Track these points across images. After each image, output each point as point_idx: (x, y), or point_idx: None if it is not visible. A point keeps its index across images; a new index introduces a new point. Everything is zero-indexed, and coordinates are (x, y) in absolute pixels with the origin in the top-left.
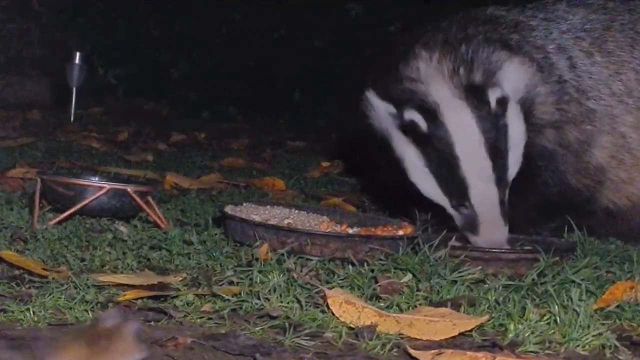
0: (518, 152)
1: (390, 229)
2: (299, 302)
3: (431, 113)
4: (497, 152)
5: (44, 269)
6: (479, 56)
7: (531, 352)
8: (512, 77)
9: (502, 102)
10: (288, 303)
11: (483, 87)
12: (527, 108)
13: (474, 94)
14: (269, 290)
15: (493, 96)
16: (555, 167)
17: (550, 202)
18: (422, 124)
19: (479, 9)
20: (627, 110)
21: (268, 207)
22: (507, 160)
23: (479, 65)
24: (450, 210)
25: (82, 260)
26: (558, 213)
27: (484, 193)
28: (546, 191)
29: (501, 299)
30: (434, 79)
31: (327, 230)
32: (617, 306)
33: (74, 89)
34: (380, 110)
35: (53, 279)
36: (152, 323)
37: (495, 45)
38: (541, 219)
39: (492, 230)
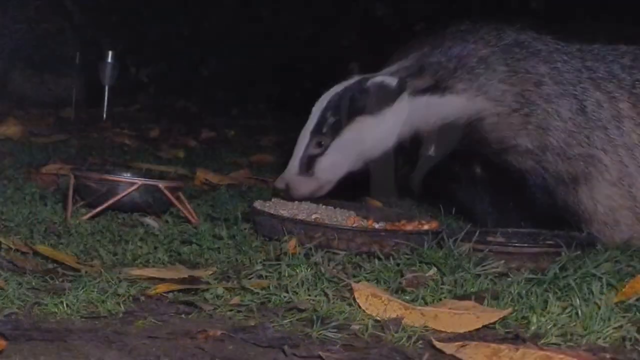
0: (362, 145)
1: (415, 223)
2: (326, 295)
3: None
4: (331, 117)
5: (77, 262)
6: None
7: (553, 344)
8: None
9: (373, 89)
10: (315, 296)
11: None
12: (475, 128)
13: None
14: (297, 284)
15: (374, 81)
16: (538, 183)
17: (543, 215)
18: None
19: (517, 28)
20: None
21: (296, 202)
22: (336, 132)
23: (439, 70)
24: None
25: (114, 254)
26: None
27: (299, 140)
28: (534, 200)
29: (524, 292)
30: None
31: (353, 225)
32: (638, 299)
33: (107, 87)
34: None
35: (86, 272)
36: (182, 316)
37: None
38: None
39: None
